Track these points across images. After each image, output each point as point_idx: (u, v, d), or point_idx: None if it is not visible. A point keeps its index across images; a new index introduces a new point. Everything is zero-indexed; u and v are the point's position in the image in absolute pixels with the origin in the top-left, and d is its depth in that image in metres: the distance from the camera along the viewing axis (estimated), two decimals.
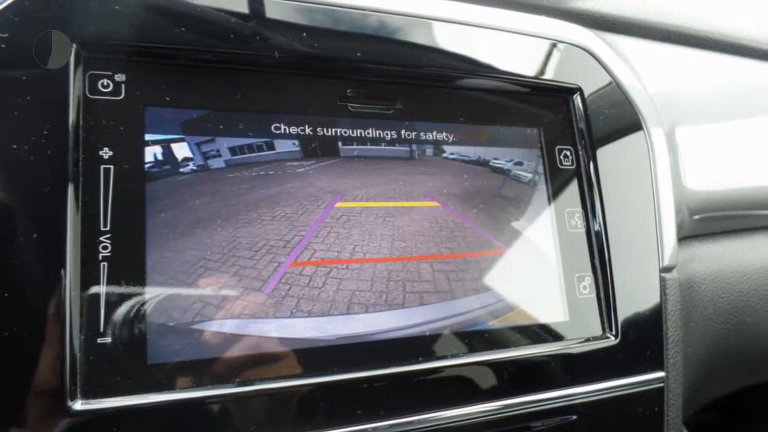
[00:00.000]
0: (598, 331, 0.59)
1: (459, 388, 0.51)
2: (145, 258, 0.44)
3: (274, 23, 0.50)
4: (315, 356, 0.47)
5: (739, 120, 0.82)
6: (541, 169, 0.61)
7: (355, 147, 0.53)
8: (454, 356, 0.52)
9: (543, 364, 0.55)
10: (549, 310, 0.57)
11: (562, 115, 0.63)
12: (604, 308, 0.59)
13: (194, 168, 0.47)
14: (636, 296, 0.61)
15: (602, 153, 0.62)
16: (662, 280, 0.62)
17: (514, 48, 0.60)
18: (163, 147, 0.46)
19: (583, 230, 0.61)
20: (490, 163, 0.59)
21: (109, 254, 0.43)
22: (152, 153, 0.46)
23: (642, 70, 0.72)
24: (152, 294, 0.44)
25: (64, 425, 0.39)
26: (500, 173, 0.59)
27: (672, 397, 0.62)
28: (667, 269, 0.63)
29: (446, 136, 0.57)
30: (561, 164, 0.62)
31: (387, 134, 0.55)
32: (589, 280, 0.60)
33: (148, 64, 0.47)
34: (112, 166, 0.44)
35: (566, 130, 0.63)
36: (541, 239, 0.59)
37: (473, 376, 0.52)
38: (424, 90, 0.57)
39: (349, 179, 0.52)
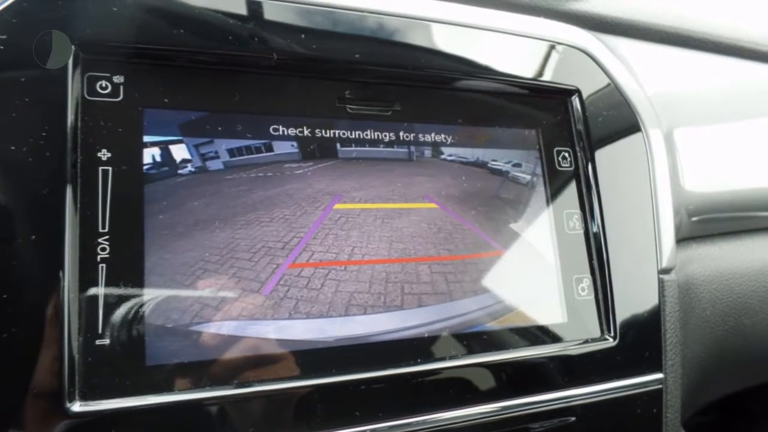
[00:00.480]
0: (597, 333, 0.59)
1: (457, 390, 0.51)
2: (143, 259, 0.44)
3: (272, 25, 0.50)
4: (313, 358, 0.47)
5: (737, 122, 0.82)
6: (539, 170, 0.61)
7: (353, 148, 0.53)
8: (452, 358, 0.52)
9: (541, 365, 0.55)
10: (547, 311, 0.57)
11: (561, 117, 0.63)
12: (602, 310, 0.59)
13: (193, 170, 0.47)
14: (634, 298, 0.61)
15: (601, 154, 0.62)
16: (661, 282, 0.63)
17: (512, 50, 0.60)
18: (161, 148, 0.46)
19: (581, 232, 0.61)
20: (489, 165, 0.59)
21: (107, 256, 0.43)
22: (150, 155, 0.46)
23: (640, 72, 0.73)
24: (151, 295, 0.44)
25: (62, 427, 0.39)
26: (499, 175, 0.59)
27: (670, 398, 0.62)
28: (666, 271, 0.63)
29: (444, 138, 0.57)
30: (559, 166, 0.62)
31: (385, 136, 0.55)
32: (587, 281, 0.60)
33: (147, 66, 0.47)
34: (110, 168, 0.44)
35: (564, 131, 0.63)
36: (539, 241, 0.59)
37: (472, 377, 0.52)
38: (423, 92, 0.57)
39: (347, 181, 0.52)
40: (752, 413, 1.04)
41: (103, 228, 0.43)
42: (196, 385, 0.43)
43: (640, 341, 0.60)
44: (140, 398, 0.42)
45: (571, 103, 0.63)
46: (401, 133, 0.56)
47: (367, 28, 0.54)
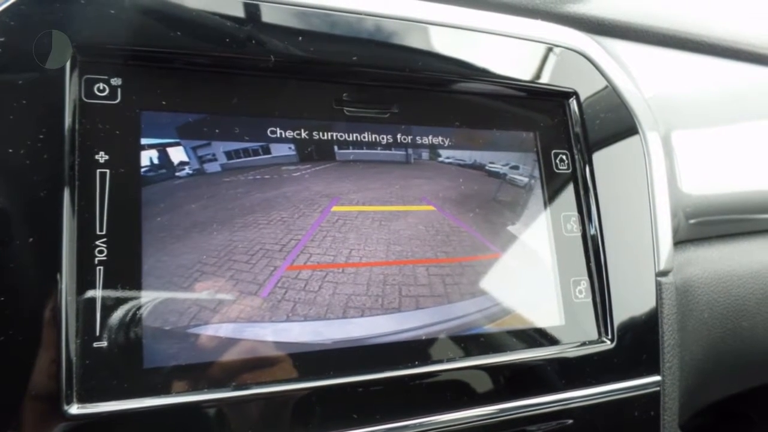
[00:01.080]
0: (594, 336, 0.59)
1: (455, 392, 0.51)
2: (141, 262, 0.44)
3: (270, 27, 0.50)
4: (311, 360, 0.47)
5: (735, 124, 0.83)
6: (537, 173, 0.61)
7: (351, 151, 0.53)
8: (450, 360, 0.52)
9: (539, 368, 0.55)
10: (545, 314, 0.57)
11: (558, 119, 0.63)
12: (600, 312, 0.59)
13: (190, 172, 0.47)
14: (632, 300, 0.61)
15: (598, 157, 0.62)
16: (658, 284, 0.63)
17: (510, 52, 0.61)
18: (158, 151, 0.46)
19: (579, 234, 0.61)
20: (486, 167, 0.59)
21: (104, 258, 0.43)
22: (148, 157, 0.46)
23: (638, 74, 0.73)
24: (148, 298, 0.44)
25: (60, 429, 0.39)
26: (496, 177, 0.59)
27: (668, 401, 0.62)
28: (663, 273, 0.63)
29: (442, 140, 0.57)
30: (557, 168, 0.62)
31: (383, 138, 0.55)
32: (585, 284, 0.60)
33: (144, 69, 0.47)
34: (108, 170, 0.44)
35: (562, 134, 0.63)
36: (537, 243, 0.59)
37: (469, 380, 0.52)
38: (420, 94, 0.57)
39: (345, 183, 0.53)
40: (750, 416, 1.04)
41: (101, 230, 0.43)
42: (194, 388, 0.43)
43: (637, 344, 0.60)
44: (138, 401, 0.41)
45: (569, 105, 0.63)
46: (399, 136, 0.56)
47: (365, 30, 0.54)
